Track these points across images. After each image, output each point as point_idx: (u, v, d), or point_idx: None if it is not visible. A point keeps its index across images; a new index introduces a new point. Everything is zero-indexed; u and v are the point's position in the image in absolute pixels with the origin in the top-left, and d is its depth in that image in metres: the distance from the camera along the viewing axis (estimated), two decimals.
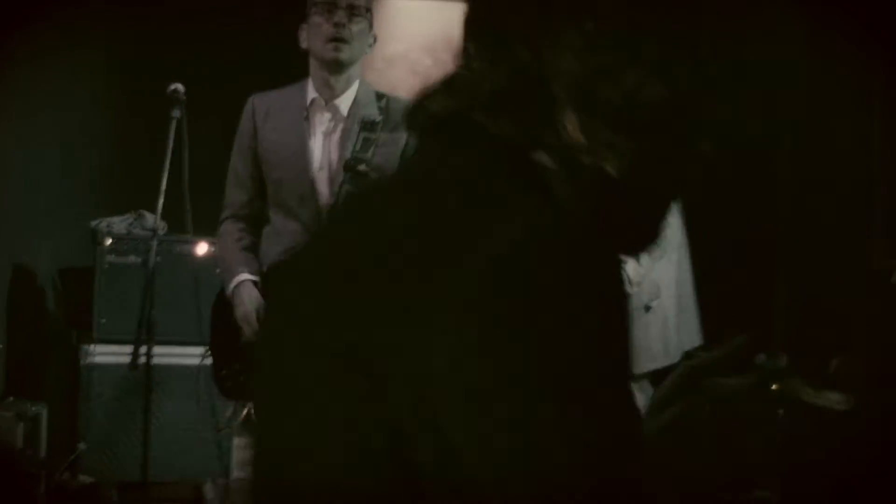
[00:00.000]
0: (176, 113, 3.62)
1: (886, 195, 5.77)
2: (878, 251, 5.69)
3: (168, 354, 4.76)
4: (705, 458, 5.01)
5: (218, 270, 3.10)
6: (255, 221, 3.04)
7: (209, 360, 4.81)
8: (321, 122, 2.91)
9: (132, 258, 4.84)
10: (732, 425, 5.02)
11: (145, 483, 3.95)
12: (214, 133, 7.06)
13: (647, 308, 4.73)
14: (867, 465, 4.79)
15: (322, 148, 2.89)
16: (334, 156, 2.86)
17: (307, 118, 2.91)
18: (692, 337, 4.79)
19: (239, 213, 3.04)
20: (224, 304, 3.03)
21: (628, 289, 4.37)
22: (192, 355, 4.79)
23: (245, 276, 2.89)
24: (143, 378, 3.59)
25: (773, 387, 5.58)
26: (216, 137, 7.07)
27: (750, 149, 7.05)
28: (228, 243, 3.01)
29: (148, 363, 3.57)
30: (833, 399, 5.55)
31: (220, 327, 3.07)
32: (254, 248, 2.99)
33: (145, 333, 3.57)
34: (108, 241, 4.92)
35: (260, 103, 2.97)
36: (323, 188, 2.85)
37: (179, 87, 3.64)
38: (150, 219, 5.00)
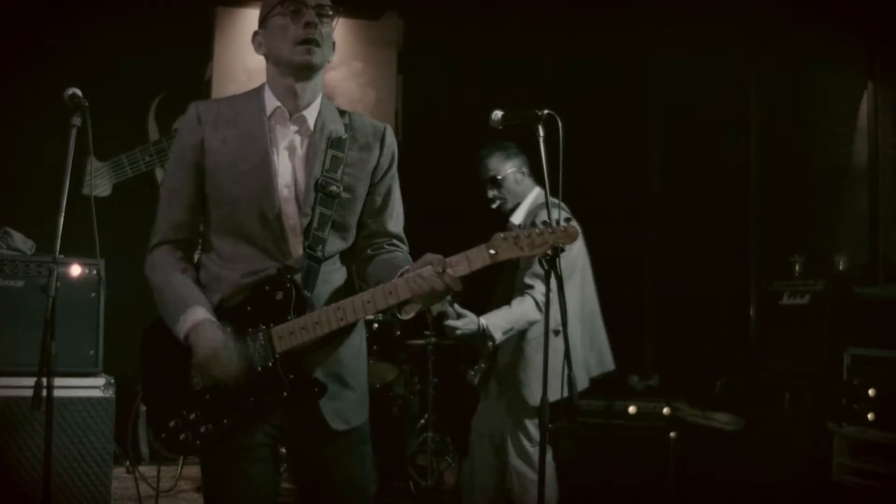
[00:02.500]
0: (76, 120, 3.23)
1: (762, 217, 5.92)
2: (754, 271, 5.82)
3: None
4: (601, 481, 4.91)
5: (158, 305, 2.52)
6: (189, 247, 2.61)
7: (97, 392, 4.47)
8: (284, 135, 2.53)
9: None
10: (626, 449, 4.98)
11: None
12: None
13: (557, 332, 4.62)
14: (760, 483, 4.86)
15: (286, 164, 2.52)
16: (300, 173, 2.51)
17: (270, 129, 2.52)
18: (603, 361, 4.63)
19: (174, 237, 2.57)
20: (162, 342, 2.51)
21: (536, 314, 4.17)
22: (71, 386, 4.38)
23: (202, 313, 2.44)
24: (45, 413, 3.15)
25: (665, 411, 5.57)
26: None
27: (622, 165, 7.15)
28: (170, 274, 2.52)
29: (49, 396, 3.13)
30: (722, 420, 5.62)
31: (162, 370, 2.53)
32: (196, 281, 2.55)
33: (47, 365, 3.11)
34: None
35: (206, 111, 2.53)
36: (290, 208, 2.49)
37: (77, 91, 3.25)
38: (17, 238, 4.56)
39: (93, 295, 4.54)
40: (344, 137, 2.55)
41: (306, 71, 2.49)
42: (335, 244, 2.55)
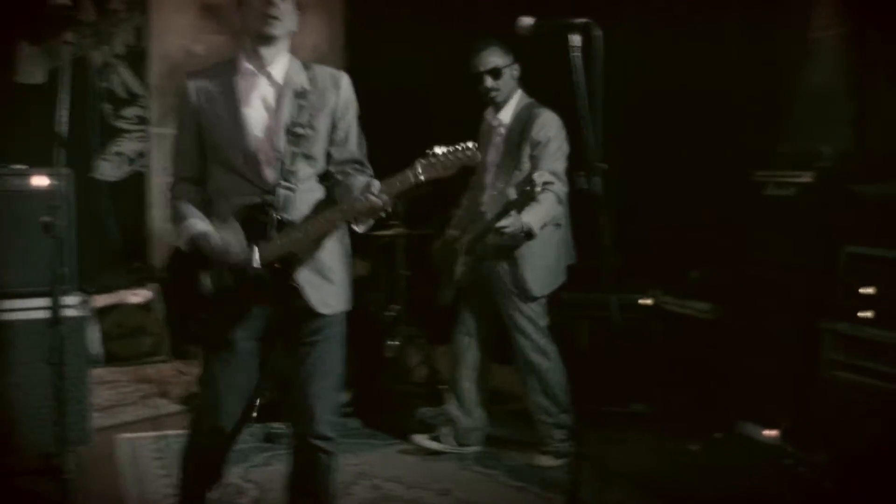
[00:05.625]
0: (69, 37, 2.95)
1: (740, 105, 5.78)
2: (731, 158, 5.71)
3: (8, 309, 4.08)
4: (585, 374, 4.95)
5: (172, 223, 3.34)
6: (199, 181, 3.35)
7: (71, 311, 4.20)
8: (256, 88, 3.23)
9: None
10: (610, 341, 4.89)
11: None
12: None
13: (558, 225, 4.67)
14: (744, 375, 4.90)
15: (261, 113, 3.21)
16: (272, 120, 3.21)
17: (241, 85, 3.22)
18: (571, 253, 4.90)
19: (188, 175, 3.35)
20: (180, 261, 3.24)
21: (559, 208, 4.59)
22: (44, 307, 4.08)
23: (201, 227, 3.21)
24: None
25: (641, 301, 5.59)
26: None
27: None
28: (181, 201, 3.31)
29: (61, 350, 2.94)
30: (699, 308, 5.60)
31: (180, 282, 3.22)
32: (205, 205, 3.32)
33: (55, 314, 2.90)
34: None
35: (196, 82, 3.29)
36: (265, 147, 3.18)
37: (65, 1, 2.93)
38: None
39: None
40: (308, 89, 3.22)
41: (268, 39, 3.18)
42: (306, 171, 3.24)
